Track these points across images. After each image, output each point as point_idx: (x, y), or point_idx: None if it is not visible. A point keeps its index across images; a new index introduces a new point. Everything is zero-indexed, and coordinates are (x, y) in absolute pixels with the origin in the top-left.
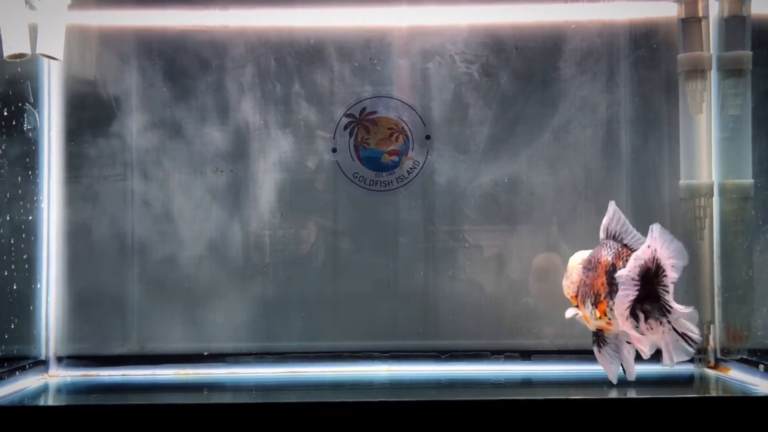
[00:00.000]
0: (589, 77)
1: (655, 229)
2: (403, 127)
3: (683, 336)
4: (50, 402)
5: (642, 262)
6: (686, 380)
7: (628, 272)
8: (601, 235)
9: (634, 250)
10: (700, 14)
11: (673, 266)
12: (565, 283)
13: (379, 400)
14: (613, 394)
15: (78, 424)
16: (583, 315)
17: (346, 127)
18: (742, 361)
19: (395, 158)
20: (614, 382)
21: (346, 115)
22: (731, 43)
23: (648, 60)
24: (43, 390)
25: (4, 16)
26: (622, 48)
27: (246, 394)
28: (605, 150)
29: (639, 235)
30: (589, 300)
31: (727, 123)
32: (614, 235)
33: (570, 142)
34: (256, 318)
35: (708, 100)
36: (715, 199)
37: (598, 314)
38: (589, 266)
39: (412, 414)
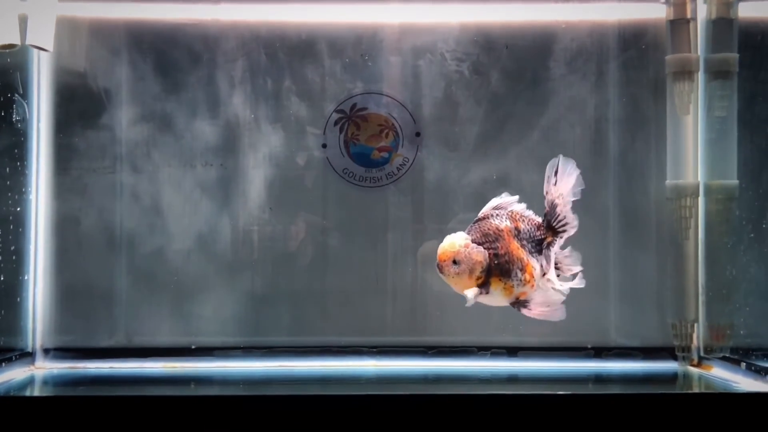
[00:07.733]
0: (578, 77)
1: (560, 162)
2: (393, 124)
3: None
4: (36, 393)
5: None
6: (670, 378)
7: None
8: (480, 215)
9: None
10: (689, 16)
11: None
12: (459, 269)
13: (365, 393)
14: (597, 390)
15: (64, 415)
16: (505, 288)
17: (336, 123)
18: (724, 359)
19: (385, 155)
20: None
21: (337, 111)
22: (718, 45)
23: (636, 61)
24: (29, 382)
25: None
26: (611, 48)
27: (233, 388)
28: (593, 149)
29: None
30: (516, 267)
31: (713, 124)
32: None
33: (558, 141)
34: (245, 312)
35: (695, 102)
36: (701, 200)
37: (527, 278)
38: (488, 239)
39: (399, 407)
